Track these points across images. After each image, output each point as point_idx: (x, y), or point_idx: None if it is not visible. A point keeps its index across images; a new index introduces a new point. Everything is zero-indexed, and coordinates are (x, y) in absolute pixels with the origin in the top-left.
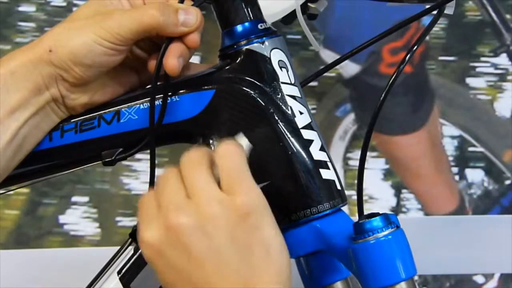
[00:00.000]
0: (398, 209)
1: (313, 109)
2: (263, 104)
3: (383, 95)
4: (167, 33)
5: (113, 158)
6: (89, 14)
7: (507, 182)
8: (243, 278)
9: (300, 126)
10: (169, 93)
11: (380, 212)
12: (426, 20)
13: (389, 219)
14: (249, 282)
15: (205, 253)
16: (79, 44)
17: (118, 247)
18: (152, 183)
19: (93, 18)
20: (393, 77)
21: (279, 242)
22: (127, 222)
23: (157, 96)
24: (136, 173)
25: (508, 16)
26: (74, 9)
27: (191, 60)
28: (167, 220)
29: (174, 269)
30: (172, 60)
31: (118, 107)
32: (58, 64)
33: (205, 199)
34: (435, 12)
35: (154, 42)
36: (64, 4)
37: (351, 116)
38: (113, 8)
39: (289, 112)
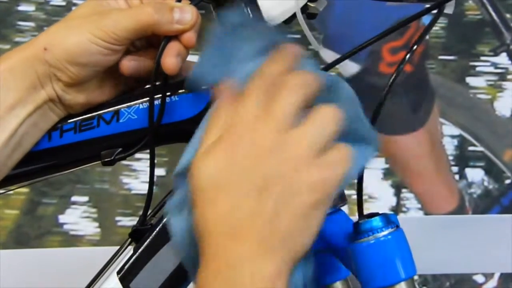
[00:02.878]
0: (398, 208)
1: None
2: None
3: (383, 94)
4: (163, 31)
5: (112, 158)
6: (86, 13)
7: (507, 181)
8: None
9: None
10: (168, 93)
11: (380, 212)
12: (425, 19)
13: (389, 219)
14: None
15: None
16: (74, 43)
17: (118, 247)
18: (151, 182)
19: (89, 17)
20: (393, 77)
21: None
22: (126, 221)
23: (156, 96)
24: (135, 173)
25: (508, 15)
26: (74, 8)
27: (190, 60)
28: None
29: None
30: (170, 59)
31: (117, 106)
32: (52, 63)
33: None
34: (435, 11)
35: (151, 43)
36: (64, 3)
37: None
38: (110, 8)
39: None
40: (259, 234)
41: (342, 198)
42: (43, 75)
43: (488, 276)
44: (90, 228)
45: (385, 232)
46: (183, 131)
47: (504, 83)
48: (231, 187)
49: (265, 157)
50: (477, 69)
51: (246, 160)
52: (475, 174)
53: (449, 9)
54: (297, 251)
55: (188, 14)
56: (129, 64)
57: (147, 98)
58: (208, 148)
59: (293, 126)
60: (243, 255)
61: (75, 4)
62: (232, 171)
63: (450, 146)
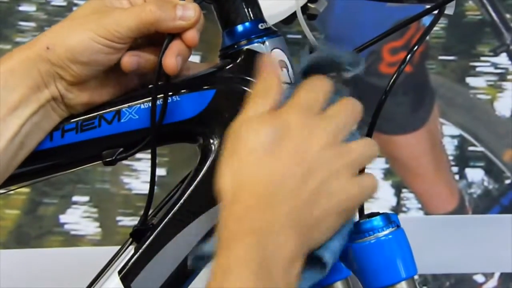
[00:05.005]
0: (398, 208)
1: None
2: None
3: (383, 95)
4: (165, 28)
5: (113, 158)
6: (88, 13)
7: (507, 181)
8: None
9: None
10: (170, 93)
11: (381, 212)
12: (426, 19)
13: (390, 219)
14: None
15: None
16: (76, 41)
17: (119, 247)
18: (153, 182)
19: (91, 16)
20: (394, 78)
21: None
22: (127, 221)
23: (158, 96)
24: (136, 173)
25: (508, 16)
26: (74, 8)
27: (191, 60)
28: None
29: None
30: (170, 59)
31: (119, 106)
32: (55, 62)
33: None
34: (435, 12)
35: (153, 41)
36: (65, 3)
37: None
38: (113, 7)
39: None
40: (290, 210)
41: None
42: (46, 74)
43: (488, 276)
44: (91, 228)
45: (386, 232)
46: (184, 131)
47: (504, 83)
48: (280, 156)
49: (316, 148)
50: (477, 69)
51: (299, 141)
52: (475, 174)
53: (449, 10)
54: (313, 244)
55: (191, 11)
56: (129, 60)
57: (149, 98)
58: (260, 117)
59: (344, 139)
60: (269, 223)
61: (76, 4)
62: (282, 145)
63: (450, 146)
